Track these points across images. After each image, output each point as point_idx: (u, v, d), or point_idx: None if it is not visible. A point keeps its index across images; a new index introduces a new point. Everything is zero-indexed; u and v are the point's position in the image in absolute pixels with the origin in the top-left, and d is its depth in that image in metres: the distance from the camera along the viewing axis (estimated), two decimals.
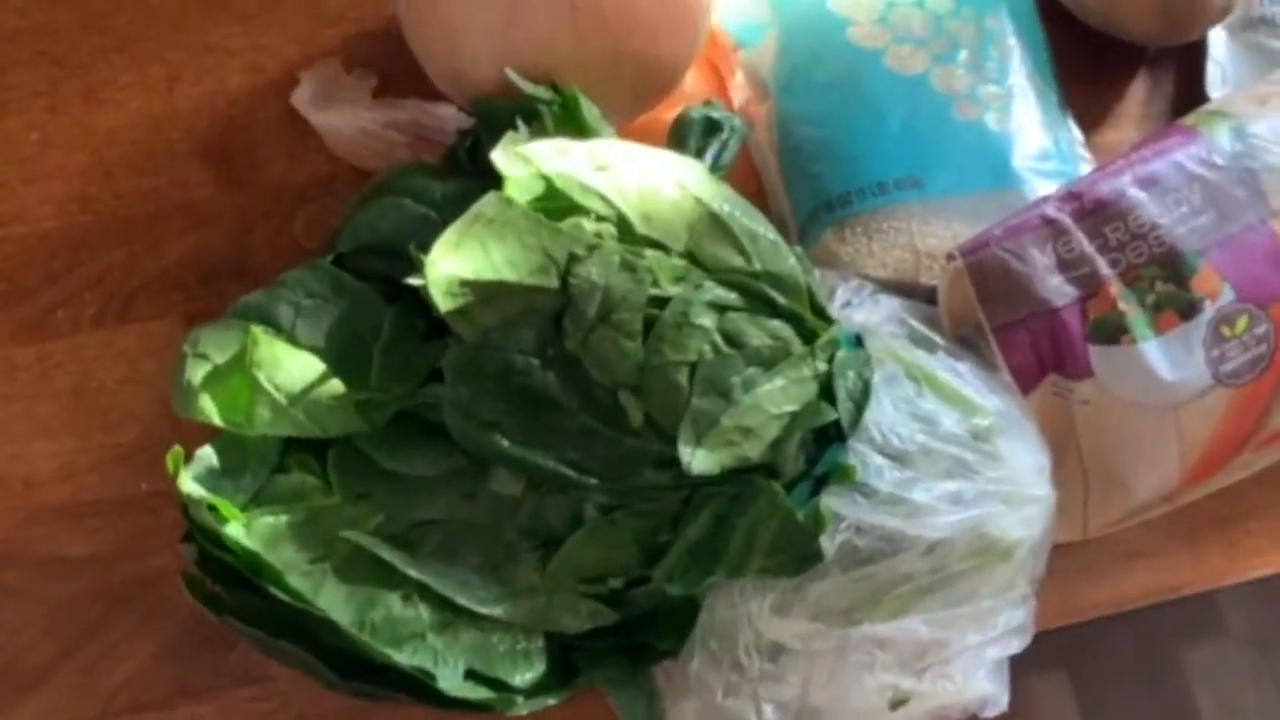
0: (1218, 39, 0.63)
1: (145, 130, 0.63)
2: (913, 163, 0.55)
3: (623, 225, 0.45)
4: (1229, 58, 0.63)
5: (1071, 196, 0.51)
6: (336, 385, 0.47)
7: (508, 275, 0.43)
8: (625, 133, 0.58)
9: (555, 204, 0.45)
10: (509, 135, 0.47)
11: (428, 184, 0.50)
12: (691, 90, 0.63)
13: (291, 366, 0.47)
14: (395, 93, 0.62)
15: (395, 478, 0.48)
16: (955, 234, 0.54)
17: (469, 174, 0.53)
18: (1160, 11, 0.59)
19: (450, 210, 0.50)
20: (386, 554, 0.47)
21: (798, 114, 0.58)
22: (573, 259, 0.44)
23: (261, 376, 0.47)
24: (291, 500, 0.48)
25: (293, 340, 0.49)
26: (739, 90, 0.62)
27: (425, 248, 0.47)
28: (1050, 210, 0.51)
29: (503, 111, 0.51)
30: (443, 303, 0.43)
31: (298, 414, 0.47)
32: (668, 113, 0.60)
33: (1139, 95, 0.64)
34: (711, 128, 0.50)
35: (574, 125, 0.48)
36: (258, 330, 0.47)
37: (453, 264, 0.43)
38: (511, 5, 0.51)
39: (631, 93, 0.55)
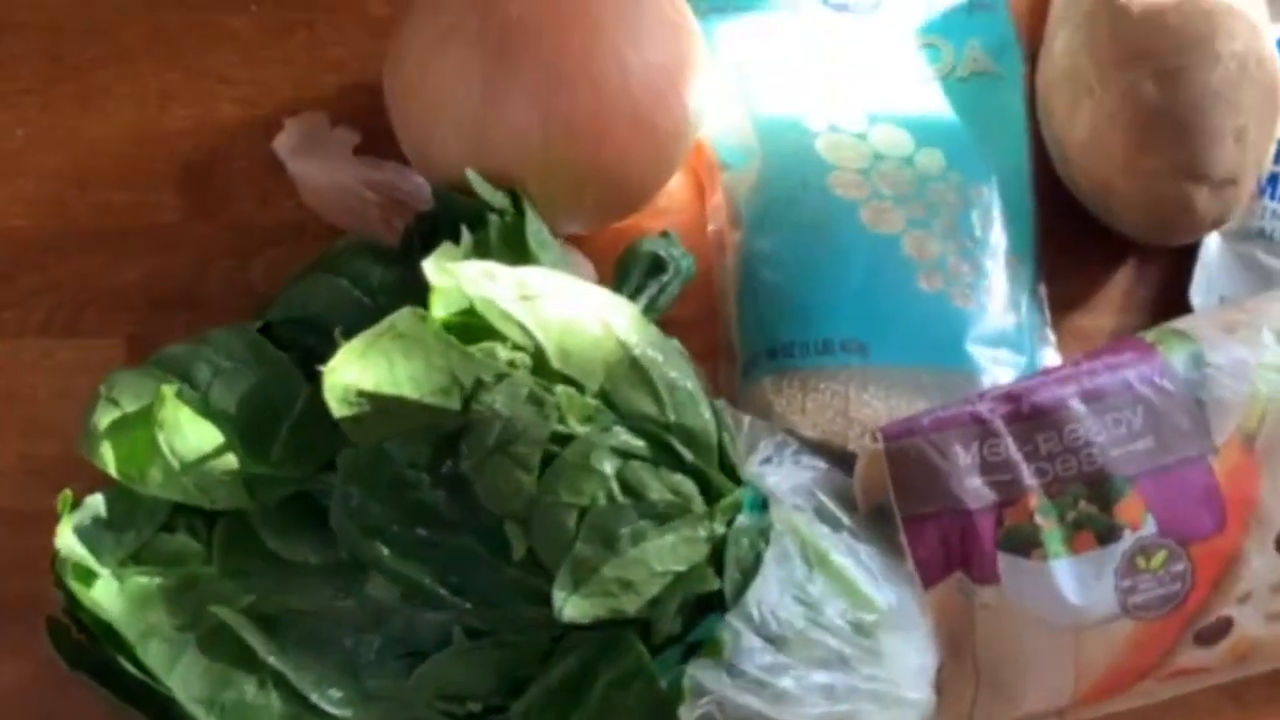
0: (1212, 244, 0.61)
1: (129, 145, 0.63)
2: (863, 325, 0.54)
3: (538, 357, 0.45)
4: (1220, 265, 0.61)
5: (1009, 398, 0.50)
6: (231, 460, 0.47)
7: (408, 392, 0.43)
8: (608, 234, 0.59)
9: (475, 323, 0.45)
10: (445, 246, 0.46)
11: (368, 268, 0.50)
12: (672, 200, 0.63)
13: (191, 434, 0.47)
14: (378, 152, 0.62)
15: (277, 560, 0.48)
16: (892, 407, 0.53)
17: (418, 256, 0.53)
18: (1150, 211, 0.57)
19: (385, 298, 0.50)
20: (249, 636, 0.46)
21: (763, 253, 0.57)
22: (479, 385, 0.44)
23: (161, 438, 0.47)
24: (170, 563, 0.48)
25: (206, 401, 0.50)
26: (716, 211, 0.61)
27: (351, 333, 0.47)
28: (984, 409, 0.49)
29: (457, 208, 0.51)
30: (337, 409, 0.43)
31: (188, 482, 0.47)
32: (649, 221, 0.60)
33: (1123, 283, 0.62)
34: (656, 266, 0.49)
35: (516, 244, 0.48)
36: (168, 389, 0.47)
37: (353, 373, 0.43)
38: (486, 101, 0.51)
39: (595, 206, 0.55)
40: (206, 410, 0.49)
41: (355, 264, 0.50)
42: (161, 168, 0.62)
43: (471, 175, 0.50)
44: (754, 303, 0.56)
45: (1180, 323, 0.54)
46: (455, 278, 0.44)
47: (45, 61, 0.64)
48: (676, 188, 0.63)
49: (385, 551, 0.45)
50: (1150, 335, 0.53)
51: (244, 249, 0.61)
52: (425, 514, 0.45)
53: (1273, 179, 0.61)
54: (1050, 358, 0.58)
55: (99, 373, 0.59)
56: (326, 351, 0.48)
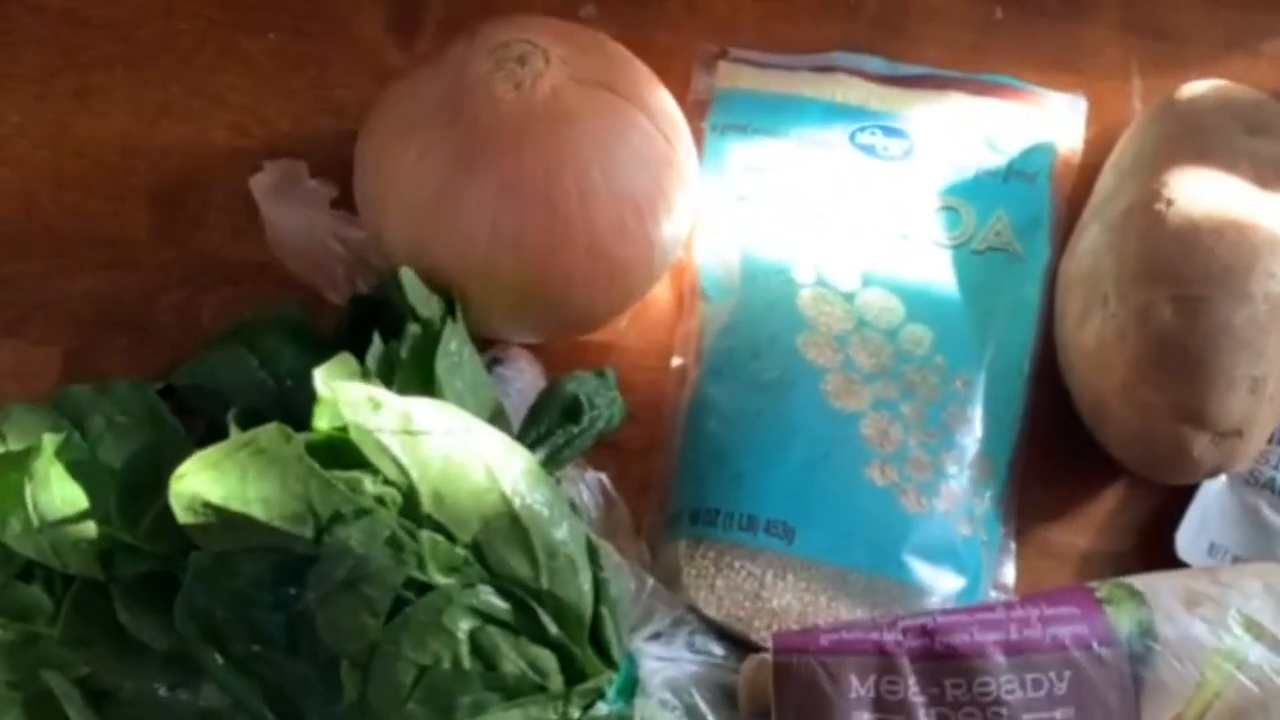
0: (1214, 484, 0.56)
1: (115, 152, 0.61)
2: (794, 508, 0.50)
3: (410, 498, 0.42)
4: (1218, 510, 0.55)
5: (923, 631, 0.45)
6: (90, 529, 0.44)
7: (258, 513, 0.40)
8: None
9: (354, 446, 0.43)
10: (343, 356, 0.44)
11: (280, 348, 0.48)
12: (660, 315, 0.60)
13: (58, 492, 0.45)
14: (355, 209, 0.60)
15: (123, 635, 0.46)
16: (806, 604, 0.49)
17: (346, 340, 0.50)
18: (1143, 445, 0.52)
19: (291, 383, 0.48)
20: (73, 710, 0.44)
21: (713, 402, 0.53)
22: (336, 517, 0.41)
23: (29, 489, 0.45)
24: (17, 615, 0.46)
25: (94, 453, 0.48)
26: (685, 341, 0.57)
27: (249, 415, 0.45)
28: (891, 639, 0.45)
29: (391, 302, 0.49)
30: (182, 515, 0.41)
31: (44, 541, 0.44)
32: (622, 335, 0.57)
33: (1109, 504, 0.57)
34: (573, 412, 0.46)
35: (426, 363, 0.45)
36: (50, 441, 0.45)
37: (202, 483, 0.40)
38: (439, 198, 0.48)
39: (541, 322, 0.52)
40: (93, 463, 0.47)
41: (269, 341, 0.48)
42: (140, 181, 0.60)
43: (405, 275, 0.47)
44: (693, 454, 0.53)
45: (1138, 580, 0.49)
46: (337, 398, 0.42)
47: (54, 52, 0.62)
48: (666, 301, 0.61)
49: (220, 660, 0.43)
50: (1102, 590, 0.48)
51: (201, 281, 0.59)
52: (264, 633, 0.42)
53: None
54: (1005, 574, 0.54)
55: (28, 381, 0.59)
56: (223, 429, 0.46)
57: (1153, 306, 0.51)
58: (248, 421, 0.46)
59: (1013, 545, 0.55)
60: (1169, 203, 0.53)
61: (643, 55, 0.64)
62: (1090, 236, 0.55)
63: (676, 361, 0.56)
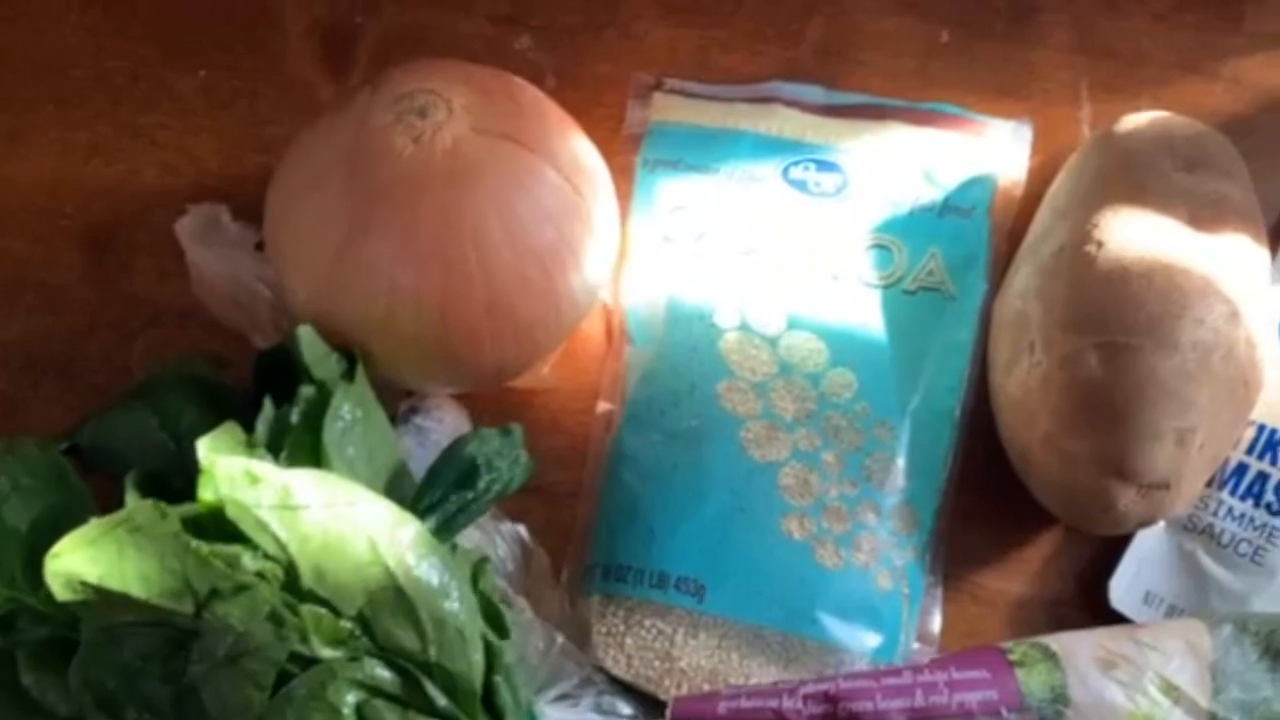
0: (1151, 531, 0.54)
1: (44, 193, 0.60)
2: (706, 564, 0.49)
3: (290, 573, 0.41)
4: (1153, 557, 0.53)
5: (826, 698, 0.44)
6: None
7: (136, 590, 0.40)
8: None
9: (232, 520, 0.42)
10: (228, 425, 0.43)
11: (182, 408, 0.47)
12: (582, 350, 0.59)
13: None
14: None
15: (26, 697, 0.46)
16: (718, 663, 0.48)
17: (252, 395, 0.50)
18: (1066, 496, 0.50)
19: (188, 443, 0.47)
20: None
21: (631, 452, 0.52)
22: (214, 593, 0.40)
23: None
24: None
25: (0, 514, 0.48)
26: (611, 385, 0.56)
27: (147, 478, 0.45)
28: (791, 707, 0.44)
29: (291, 360, 0.48)
30: (60, 593, 0.40)
31: None
32: (552, 378, 0.56)
33: (1045, 549, 0.55)
34: (470, 476, 0.45)
35: (315, 431, 0.44)
36: None
37: (78, 562, 0.40)
38: (339, 256, 0.47)
39: (449, 378, 0.51)
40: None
41: (172, 399, 0.47)
42: (69, 224, 0.60)
43: (303, 333, 0.46)
44: (609, 506, 0.52)
45: (1055, 641, 0.47)
46: (214, 474, 0.41)
47: None
48: (598, 341, 0.59)
49: None
50: (1015, 651, 0.47)
51: (129, 325, 0.59)
52: (154, 705, 0.42)
53: (1240, 471, 0.54)
54: (931, 624, 0.53)
55: None
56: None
57: (1078, 355, 0.49)
58: (147, 484, 0.46)
59: (939, 594, 0.53)
60: (1099, 245, 0.51)
61: (579, 88, 0.63)
62: (1021, 278, 0.53)
63: (602, 407, 0.55)
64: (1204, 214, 0.51)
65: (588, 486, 0.55)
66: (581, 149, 0.51)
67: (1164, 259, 0.50)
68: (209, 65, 0.62)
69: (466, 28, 0.63)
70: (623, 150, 0.61)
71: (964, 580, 0.55)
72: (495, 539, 0.51)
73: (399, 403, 0.55)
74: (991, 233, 0.57)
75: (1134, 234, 0.51)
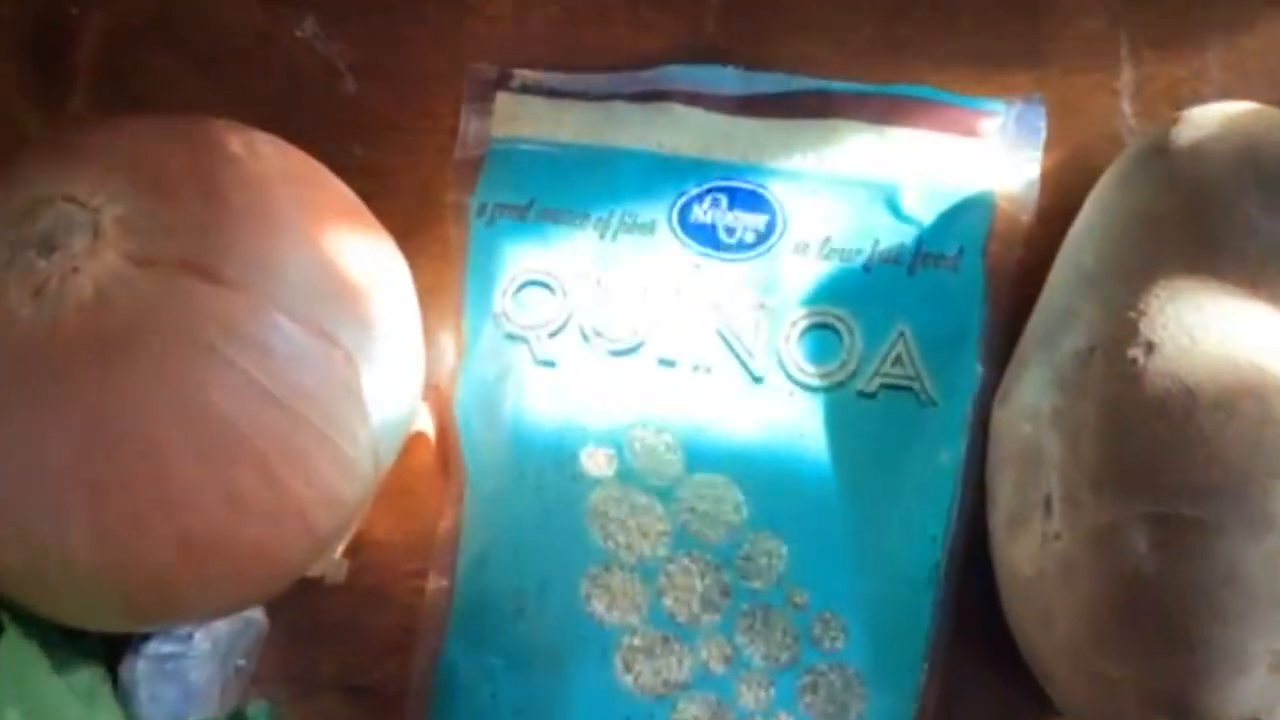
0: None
1: None
2: None
3: None
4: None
5: None
6: None
7: None
8: None
9: None
10: None
11: None
12: (415, 488, 0.43)
13: None
14: None
15: None
16: None
17: None
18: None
19: None
20: None
21: (461, 684, 0.35)
22: None
23: None
24: None
25: None
26: (444, 547, 0.38)
27: None
28: None
29: None
30: None
31: None
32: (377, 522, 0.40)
33: None
34: None
35: None
36: None
37: None
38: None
39: (144, 625, 0.34)
40: None
41: None
42: None
43: None
44: None
45: None
46: None
47: None
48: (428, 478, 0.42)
49: None
50: None
51: None
52: None
53: None
54: None
55: None
56: None
57: (1118, 530, 0.32)
58: None
59: None
60: (1149, 347, 0.33)
61: (390, 91, 0.43)
62: (1031, 381, 0.35)
63: (434, 583, 0.38)
64: None
65: (418, 689, 0.38)
66: (347, 249, 0.32)
67: (1252, 375, 0.32)
68: None
69: (228, 14, 0.45)
70: (456, 184, 0.42)
71: None
72: None
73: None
74: (987, 288, 0.38)
75: (1204, 329, 0.33)
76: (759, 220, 0.39)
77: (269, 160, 0.32)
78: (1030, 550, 0.34)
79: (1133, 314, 0.33)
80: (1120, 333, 0.33)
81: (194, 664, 0.37)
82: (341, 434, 0.31)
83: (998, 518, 0.36)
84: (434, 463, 0.42)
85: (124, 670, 0.35)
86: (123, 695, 0.35)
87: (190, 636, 0.37)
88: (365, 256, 0.33)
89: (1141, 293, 0.33)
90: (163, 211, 0.30)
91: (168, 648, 0.36)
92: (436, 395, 0.40)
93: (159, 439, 0.29)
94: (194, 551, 0.30)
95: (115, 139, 0.31)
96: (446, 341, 0.41)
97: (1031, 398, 0.35)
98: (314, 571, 0.39)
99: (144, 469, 0.29)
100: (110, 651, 0.37)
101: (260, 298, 0.30)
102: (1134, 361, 0.32)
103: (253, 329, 0.29)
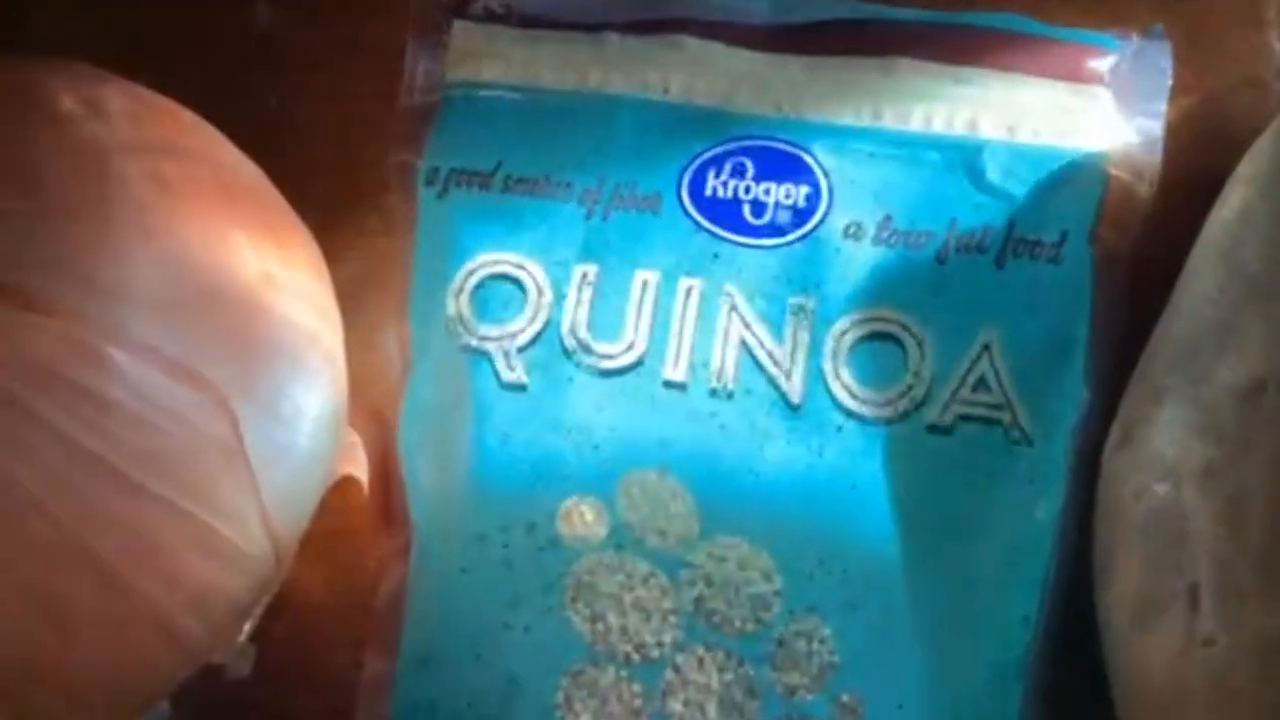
0: None
1: None
2: None
3: None
4: None
5: None
6: None
7: None
8: None
9: None
10: None
11: None
12: (355, 533, 0.35)
13: None
14: None
15: None
16: None
17: None
18: None
19: None
20: None
21: None
22: None
23: None
24: None
25: None
26: (384, 628, 0.31)
27: None
28: None
29: None
30: None
31: None
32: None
33: None
34: None
35: None
36: None
37: None
38: None
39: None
40: None
41: None
42: None
43: None
44: None
45: None
46: None
47: None
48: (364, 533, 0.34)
49: None
50: None
51: None
52: None
53: None
54: None
55: None
56: None
57: None
58: None
59: None
60: None
61: (314, 26, 0.34)
62: (1167, 423, 0.26)
63: (371, 668, 0.29)
64: None
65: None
66: (225, 247, 0.23)
67: None
68: None
69: None
70: (400, 142, 0.33)
71: None
72: None
73: None
74: (1097, 286, 0.30)
75: None
76: (797, 193, 0.30)
77: (116, 122, 0.23)
78: (1166, 654, 0.26)
79: None
80: None
81: None
82: (216, 512, 0.23)
83: (1116, 600, 0.28)
84: (374, 506, 0.34)
85: None
86: None
87: None
88: (255, 254, 0.24)
89: None
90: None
91: None
92: (376, 424, 0.32)
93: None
94: (9, 684, 0.22)
95: None
96: (391, 349, 0.33)
97: (1168, 446, 0.26)
98: (216, 659, 0.31)
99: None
100: None
101: (90, 328, 0.21)
102: None
103: (79, 373, 0.21)
